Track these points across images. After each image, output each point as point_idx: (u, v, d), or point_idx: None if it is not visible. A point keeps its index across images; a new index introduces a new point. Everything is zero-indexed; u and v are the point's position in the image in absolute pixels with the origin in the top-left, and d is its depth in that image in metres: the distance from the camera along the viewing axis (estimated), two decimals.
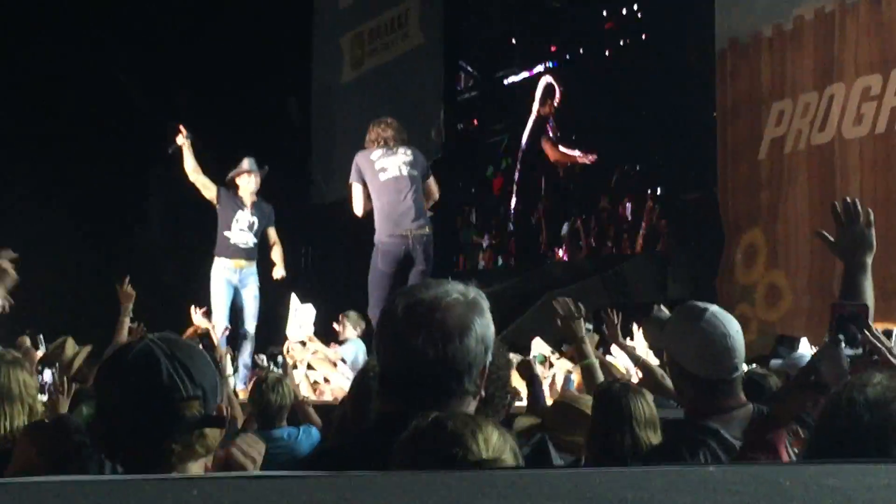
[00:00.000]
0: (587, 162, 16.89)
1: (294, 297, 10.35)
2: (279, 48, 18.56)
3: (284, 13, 19.06)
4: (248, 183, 10.80)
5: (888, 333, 8.41)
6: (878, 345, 3.13)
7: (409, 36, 18.66)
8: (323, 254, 20.14)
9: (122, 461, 2.49)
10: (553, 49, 17.83)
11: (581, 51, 17.52)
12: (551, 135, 17.56)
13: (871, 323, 3.63)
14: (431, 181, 9.62)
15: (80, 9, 17.32)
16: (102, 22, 17.70)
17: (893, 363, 3.09)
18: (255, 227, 10.78)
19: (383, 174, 9.19)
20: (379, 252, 9.18)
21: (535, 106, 17.73)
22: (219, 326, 9.43)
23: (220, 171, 10.99)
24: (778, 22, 13.08)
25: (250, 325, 10.58)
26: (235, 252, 10.72)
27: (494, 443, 2.17)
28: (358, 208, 9.32)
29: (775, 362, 7.78)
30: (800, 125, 12.70)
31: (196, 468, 2.40)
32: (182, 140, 10.58)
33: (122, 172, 17.91)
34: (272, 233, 11.04)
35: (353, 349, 10.83)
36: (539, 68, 17.83)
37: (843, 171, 12.08)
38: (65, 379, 5.41)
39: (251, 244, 10.78)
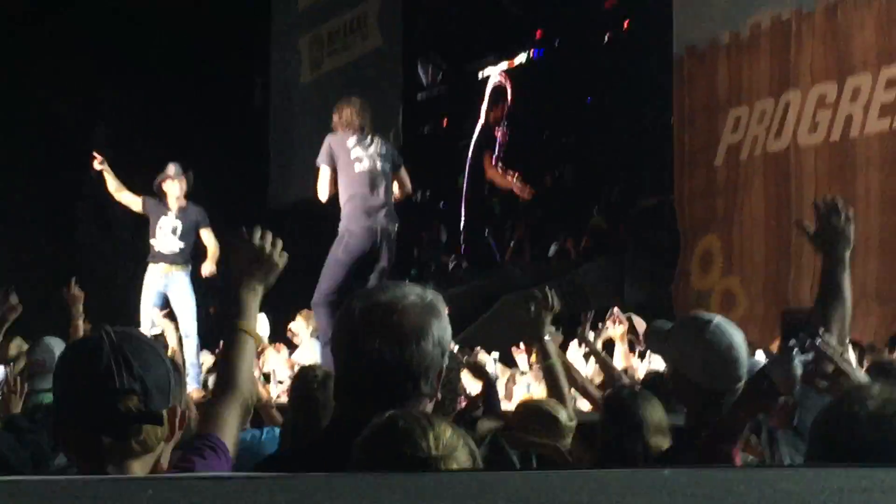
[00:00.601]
0: (524, 196, 16.76)
1: None
2: (237, 51, 18.51)
3: (243, 15, 19.00)
4: (172, 188, 10.83)
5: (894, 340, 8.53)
6: (829, 351, 3.14)
7: (367, 37, 18.64)
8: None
9: (67, 452, 2.47)
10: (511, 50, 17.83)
11: (536, 52, 17.53)
12: (497, 146, 17.41)
13: (845, 324, 3.66)
14: (403, 173, 9.44)
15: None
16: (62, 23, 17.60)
17: (844, 369, 3.11)
18: (180, 230, 10.79)
19: (358, 164, 9.00)
20: (344, 241, 8.98)
21: (483, 109, 17.67)
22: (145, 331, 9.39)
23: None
24: (735, 29, 13.16)
25: (188, 326, 10.50)
26: (161, 257, 10.80)
27: (447, 440, 2.17)
28: (323, 192, 9.09)
29: None
30: (756, 132, 12.78)
31: (138, 467, 2.34)
32: (98, 165, 10.73)
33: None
34: (205, 234, 10.99)
35: (309, 351, 10.78)
36: (502, 65, 17.78)
37: (799, 178, 12.16)
38: (17, 378, 5.36)
39: (177, 249, 10.79)
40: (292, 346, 11.29)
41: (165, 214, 10.79)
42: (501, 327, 10.30)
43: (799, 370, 3.10)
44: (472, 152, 17.75)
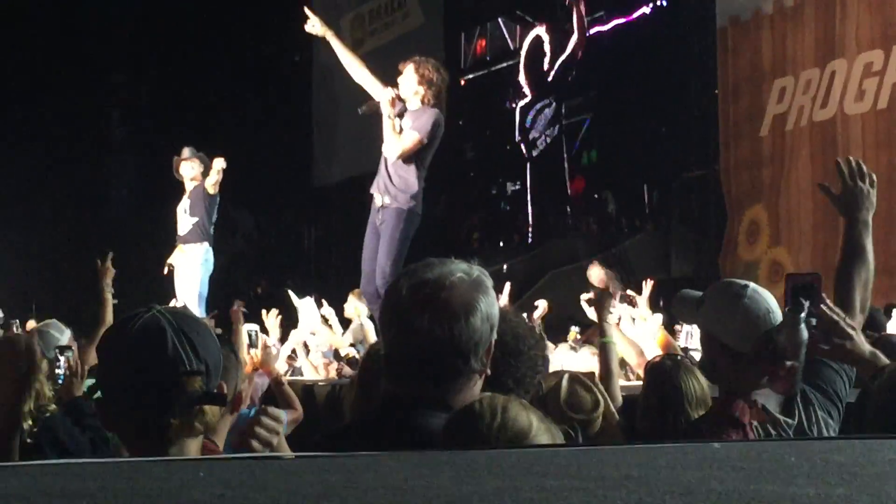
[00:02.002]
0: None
1: (291, 294, 10.23)
2: (280, 34, 18.54)
3: None
4: (187, 170, 10.93)
5: (889, 309, 8.43)
6: (833, 315, 3.13)
7: (409, 16, 18.64)
8: (325, 235, 20.13)
9: (120, 433, 2.47)
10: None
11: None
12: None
13: (868, 287, 3.63)
14: None
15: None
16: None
17: (848, 333, 3.10)
18: (188, 211, 10.88)
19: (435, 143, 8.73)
20: (412, 219, 8.76)
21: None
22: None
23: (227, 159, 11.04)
24: None
25: (185, 300, 10.54)
26: (179, 238, 10.93)
27: (519, 425, 2.18)
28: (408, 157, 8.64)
29: None
30: (802, 101, 12.68)
31: (194, 446, 2.36)
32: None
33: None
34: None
35: (364, 327, 10.77)
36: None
37: (846, 147, 12.05)
38: (79, 363, 5.39)
39: (190, 226, 10.89)
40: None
41: (184, 195, 10.93)
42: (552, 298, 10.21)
43: (805, 335, 3.09)
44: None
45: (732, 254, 13.36)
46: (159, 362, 2.34)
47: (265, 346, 5.97)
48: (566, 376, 4.54)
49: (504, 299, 9.30)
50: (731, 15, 13.56)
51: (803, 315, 3.12)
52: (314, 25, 8.80)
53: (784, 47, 13.01)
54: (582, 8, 17.26)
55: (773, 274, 12.76)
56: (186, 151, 11.08)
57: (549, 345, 8.71)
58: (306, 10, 8.86)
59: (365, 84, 8.66)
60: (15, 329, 9.41)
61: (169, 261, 11.03)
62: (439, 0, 18.20)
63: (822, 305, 3.14)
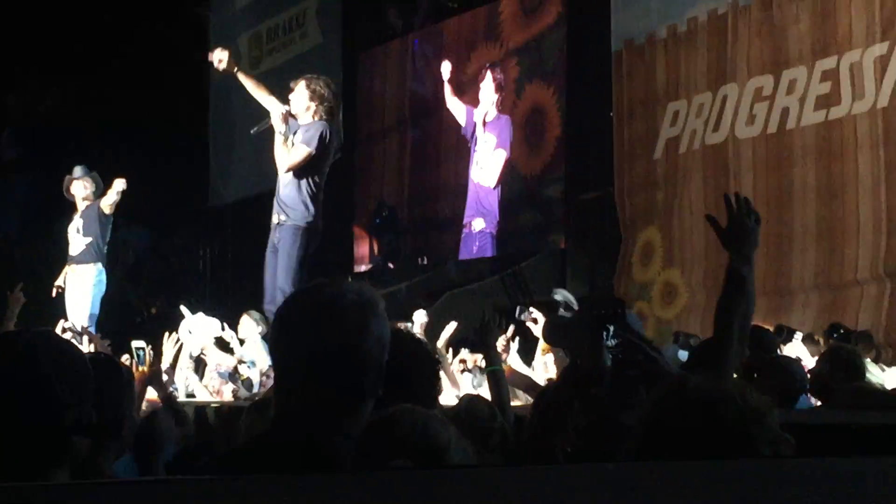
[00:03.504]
0: None
1: (184, 309, 10.11)
2: (175, 49, 18.35)
3: (181, 14, 18.87)
4: (78, 189, 10.80)
5: (780, 330, 8.58)
6: (636, 340, 3.18)
7: (307, 35, 18.58)
8: (221, 255, 19.94)
9: None
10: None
11: None
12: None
13: (747, 320, 3.70)
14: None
15: None
16: None
17: (654, 357, 3.15)
18: (81, 230, 10.74)
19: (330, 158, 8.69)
20: (309, 235, 8.69)
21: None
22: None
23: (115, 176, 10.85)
24: (672, 23, 13.26)
25: (75, 320, 10.39)
26: (69, 258, 10.78)
27: (441, 439, 2.21)
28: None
29: (682, 353, 7.91)
30: (694, 125, 12.89)
31: (62, 476, 2.30)
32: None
33: None
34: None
35: (256, 350, 10.68)
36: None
37: (737, 170, 12.29)
38: None
39: (82, 246, 10.73)
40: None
41: (75, 214, 10.80)
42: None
43: (608, 359, 3.12)
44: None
45: (627, 275, 13.51)
46: (30, 391, 2.26)
47: (152, 364, 5.87)
48: (464, 395, 4.58)
49: (417, 328, 9.27)
50: (625, 38, 13.74)
51: (607, 340, 3.14)
52: (222, 62, 8.77)
53: (677, 71, 13.22)
54: None
55: (667, 295, 12.93)
56: (78, 170, 10.93)
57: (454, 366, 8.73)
58: (217, 53, 8.79)
59: (268, 107, 8.65)
60: None
61: (57, 282, 10.86)
62: (338, 20, 18.15)
63: (625, 332, 3.17)
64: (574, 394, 3.28)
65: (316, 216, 8.68)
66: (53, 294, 10.81)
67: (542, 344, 7.98)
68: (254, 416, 5.09)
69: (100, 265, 10.80)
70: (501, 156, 15.35)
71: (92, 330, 10.05)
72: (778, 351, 7.32)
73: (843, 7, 11.52)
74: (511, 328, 7.81)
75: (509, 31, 15.96)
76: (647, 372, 3.14)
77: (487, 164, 15.50)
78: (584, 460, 3.20)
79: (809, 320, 10.74)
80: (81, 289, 10.74)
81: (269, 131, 8.64)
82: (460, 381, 8.45)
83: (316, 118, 8.62)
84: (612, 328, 3.18)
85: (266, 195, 9.61)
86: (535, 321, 6.95)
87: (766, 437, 2.31)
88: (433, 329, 9.26)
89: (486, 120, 15.47)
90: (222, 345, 10.14)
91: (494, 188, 15.45)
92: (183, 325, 9.84)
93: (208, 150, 20.03)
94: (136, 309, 18.37)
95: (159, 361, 6.26)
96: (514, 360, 8.07)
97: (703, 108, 12.80)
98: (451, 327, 8.93)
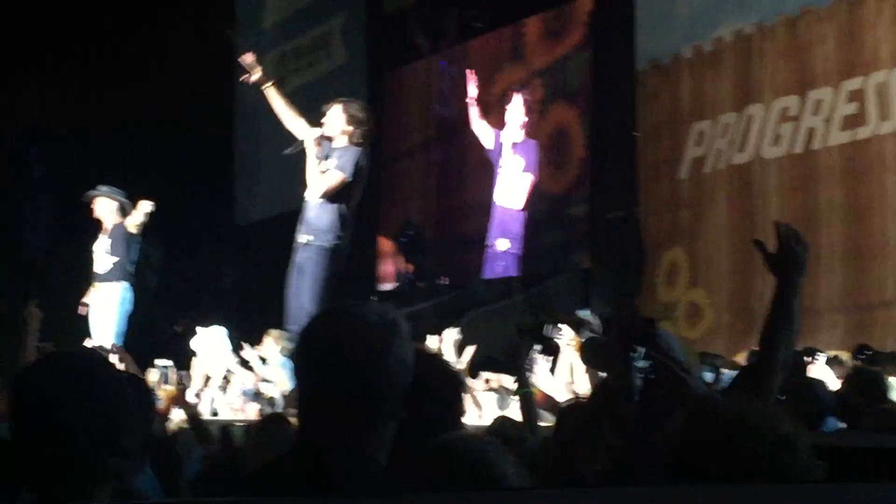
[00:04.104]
0: None
1: (199, 330, 10.15)
2: (202, 69, 18.43)
3: (207, 34, 18.94)
4: (103, 208, 10.81)
5: (809, 352, 8.51)
6: (667, 361, 3.17)
7: (332, 55, 18.65)
8: (245, 274, 19.97)
9: (30, 487, 2.39)
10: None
11: None
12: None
13: (790, 347, 3.67)
14: None
15: None
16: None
17: (683, 377, 3.13)
18: (108, 249, 10.75)
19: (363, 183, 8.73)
20: (338, 254, 8.70)
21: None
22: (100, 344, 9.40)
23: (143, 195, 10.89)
24: (698, 43, 13.25)
25: (99, 338, 10.44)
26: (96, 277, 10.80)
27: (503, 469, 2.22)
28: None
29: (708, 374, 7.88)
30: (719, 145, 12.86)
31: (103, 493, 2.32)
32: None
33: None
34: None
35: (278, 369, 10.70)
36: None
37: (762, 190, 12.24)
38: None
39: (110, 265, 10.74)
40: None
41: (101, 234, 10.83)
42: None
43: (638, 379, 3.11)
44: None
45: (652, 295, 13.47)
46: (55, 413, 2.28)
47: (179, 382, 5.91)
48: (497, 417, 4.61)
49: (450, 345, 9.26)
50: (651, 59, 13.74)
51: (638, 361, 3.13)
52: (254, 72, 8.84)
53: (702, 91, 13.20)
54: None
55: (692, 315, 12.88)
56: (103, 189, 10.98)
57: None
58: (249, 60, 8.86)
59: (293, 128, 8.68)
60: None
61: (84, 300, 10.91)
62: (362, 39, 18.22)
63: (656, 352, 3.16)
64: (603, 413, 3.27)
65: (343, 238, 8.70)
66: (83, 312, 10.84)
67: (566, 356, 7.97)
68: (261, 434, 5.11)
69: (126, 283, 10.83)
70: (529, 179, 15.30)
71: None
72: (805, 373, 7.29)
73: (868, 27, 11.49)
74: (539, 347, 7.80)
75: (534, 52, 15.98)
76: (677, 393, 3.13)
77: (514, 187, 15.48)
78: (613, 480, 3.19)
79: (836, 341, 10.67)
80: (107, 307, 10.77)
81: (300, 152, 8.67)
82: (483, 402, 8.45)
83: (352, 142, 8.65)
84: (642, 349, 3.17)
85: (290, 214, 9.63)
86: (561, 335, 6.95)
87: (796, 461, 2.30)
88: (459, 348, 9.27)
89: (514, 142, 15.45)
90: (244, 363, 10.21)
91: (521, 211, 15.42)
92: (194, 341, 9.94)
93: (233, 168, 20.10)
94: (160, 327, 18.41)
95: (184, 381, 6.32)
96: (542, 371, 8.06)
97: (728, 128, 12.77)
98: (471, 350, 8.93)
